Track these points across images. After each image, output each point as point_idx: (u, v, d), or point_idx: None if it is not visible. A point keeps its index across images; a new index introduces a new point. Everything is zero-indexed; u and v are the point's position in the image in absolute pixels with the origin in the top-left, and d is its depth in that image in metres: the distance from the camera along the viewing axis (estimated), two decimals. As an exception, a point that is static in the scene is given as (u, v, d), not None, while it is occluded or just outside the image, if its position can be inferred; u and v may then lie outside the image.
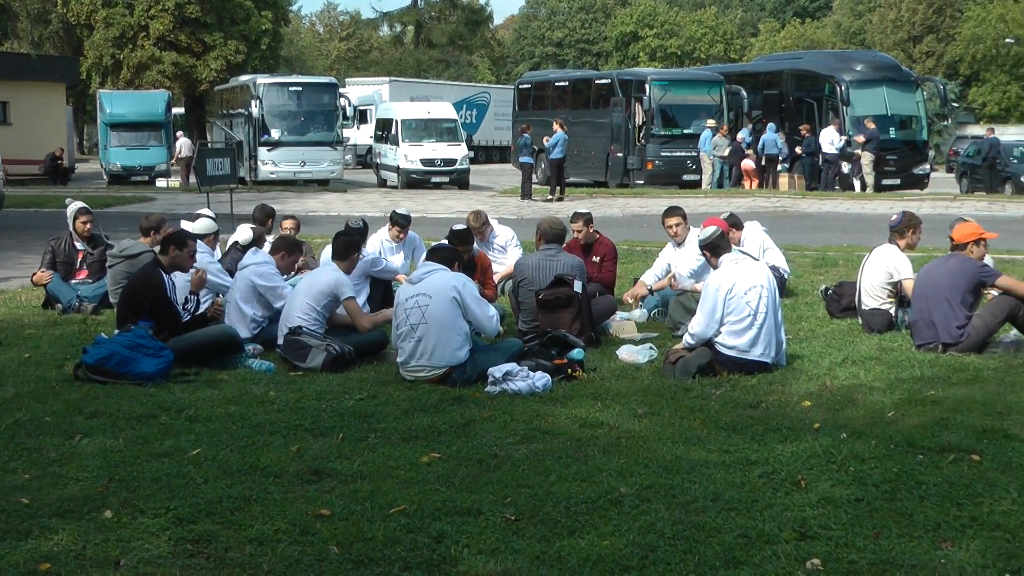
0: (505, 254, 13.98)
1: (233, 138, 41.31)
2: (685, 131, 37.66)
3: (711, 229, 9.85)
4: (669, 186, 36.77)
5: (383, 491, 6.24)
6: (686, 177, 36.95)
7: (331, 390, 8.82)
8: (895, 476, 6.47)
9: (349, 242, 10.79)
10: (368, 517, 5.81)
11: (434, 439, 7.42)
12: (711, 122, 36.02)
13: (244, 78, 45.58)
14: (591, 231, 12.61)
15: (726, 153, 36.42)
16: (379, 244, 13.35)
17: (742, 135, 37.35)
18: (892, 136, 36.70)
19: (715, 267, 9.68)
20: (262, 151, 39.54)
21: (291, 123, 40.35)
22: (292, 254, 11.15)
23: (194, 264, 10.44)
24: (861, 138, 35.02)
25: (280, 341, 10.05)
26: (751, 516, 5.83)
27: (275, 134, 39.81)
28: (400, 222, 13.44)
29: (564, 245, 11.45)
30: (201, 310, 10.48)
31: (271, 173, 39.48)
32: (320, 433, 7.56)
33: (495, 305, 11.57)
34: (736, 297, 9.30)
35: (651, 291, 12.46)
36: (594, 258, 12.46)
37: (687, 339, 9.61)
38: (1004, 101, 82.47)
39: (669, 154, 37.00)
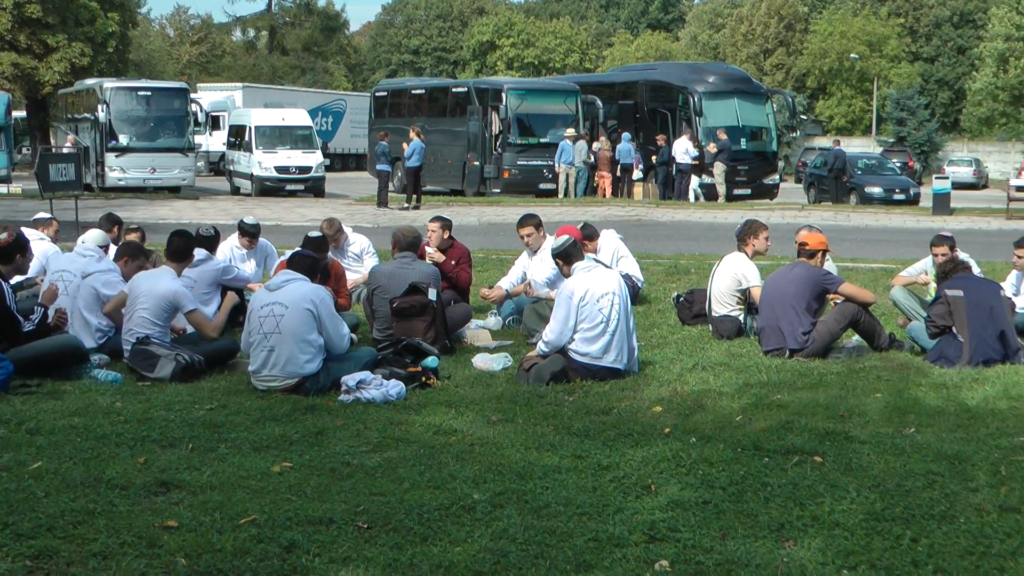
0: (360, 262, 13.92)
1: (79, 143, 40.31)
2: (541, 140, 37.90)
3: (563, 238, 9.99)
4: (526, 195, 36.98)
5: (233, 502, 6.17)
6: (542, 186, 37.20)
7: (180, 400, 8.67)
8: (742, 478, 6.63)
9: (187, 243, 10.60)
10: (217, 528, 5.73)
11: (286, 448, 7.36)
12: (570, 131, 36.33)
13: (90, 82, 44.50)
14: (447, 236, 12.65)
15: (591, 159, 36.76)
16: (230, 252, 13.16)
17: (596, 145, 37.79)
18: (743, 147, 37.53)
19: (567, 275, 9.79)
20: (110, 157, 38.61)
21: (140, 129, 39.50)
22: (135, 259, 10.89)
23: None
24: (713, 148, 35.72)
25: (126, 351, 9.85)
26: (602, 520, 5.91)
27: (123, 140, 38.92)
28: (249, 231, 13.29)
29: (418, 252, 11.46)
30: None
31: (119, 180, 38.59)
32: (168, 444, 7.43)
33: (349, 314, 11.54)
34: (589, 304, 9.42)
35: (508, 295, 12.55)
36: (451, 261, 12.50)
37: (541, 346, 9.69)
38: (849, 114, 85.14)
39: (525, 163, 37.23)
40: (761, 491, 6.40)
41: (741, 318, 11.50)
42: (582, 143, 36.53)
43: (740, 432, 7.72)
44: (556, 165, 36.46)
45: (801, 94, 79.30)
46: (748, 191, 37.44)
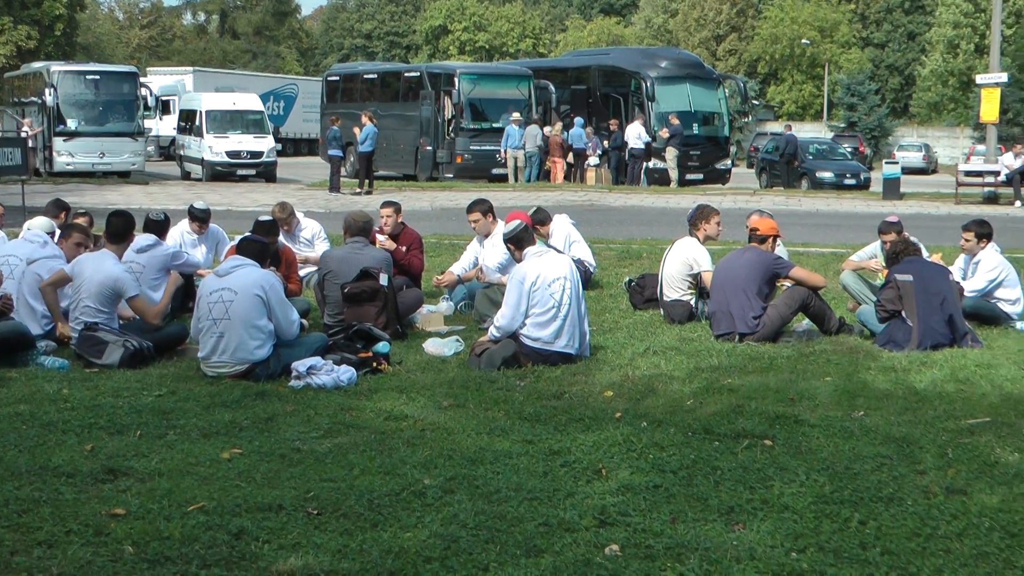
0: (311, 247, 13.84)
1: (33, 127, 39.84)
2: (494, 125, 37.82)
3: (514, 223, 9.98)
4: (478, 180, 36.94)
5: (181, 488, 6.13)
6: (495, 171, 37.14)
7: (128, 387, 8.61)
8: (692, 462, 6.66)
9: (127, 223, 10.47)
10: (165, 515, 5.69)
11: (235, 435, 7.32)
12: (516, 116, 36.27)
13: (37, 65, 44.03)
14: (399, 220, 12.61)
15: (543, 143, 36.73)
16: (180, 237, 13.06)
17: (548, 130, 37.78)
18: (695, 132, 37.65)
19: (519, 260, 9.79)
20: (58, 141, 38.18)
21: (89, 113, 39.10)
22: (68, 237, 10.76)
23: None
24: (665, 133, 35.80)
25: (73, 337, 9.75)
26: (552, 505, 5.92)
27: (72, 124, 38.50)
28: (199, 216, 13.19)
29: (370, 237, 11.41)
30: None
31: (68, 164, 38.19)
32: (116, 431, 7.37)
33: (299, 300, 11.48)
34: (540, 289, 9.42)
35: (460, 280, 12.53)
36: (401, 247, 12.45)
37: (492, 331, 9.68)
38: (801, 99, 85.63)
39: (478, 148, 37.14)
40: (711, 475, 6.43)
41: (692, 302, 11.54)
42: (534, 127, 36.48)
43: (691, 416, 7.75)
44: (502, 150, 36.40)
45: (753, 79, 79.66)
46: (700, 176, 37.57)
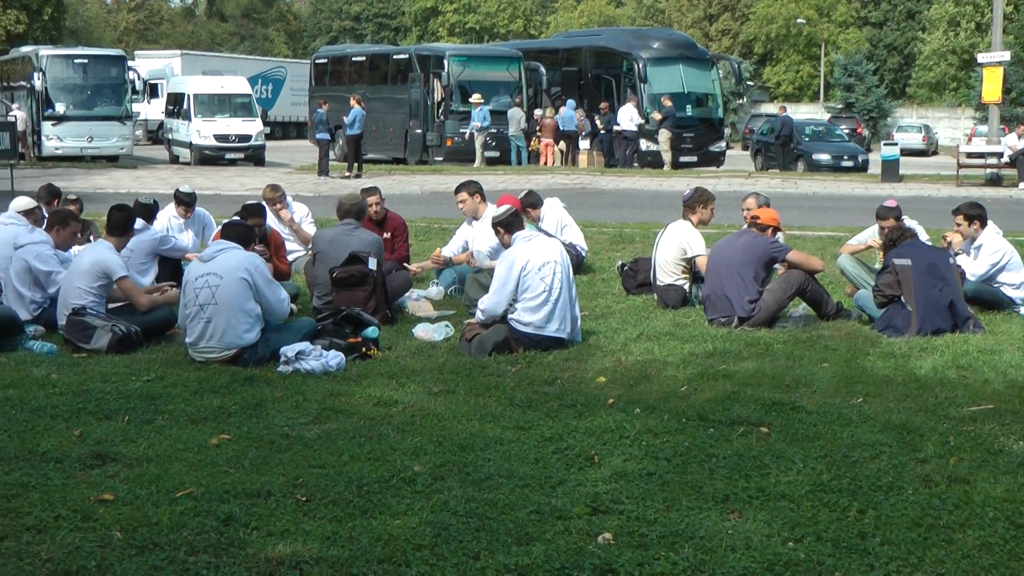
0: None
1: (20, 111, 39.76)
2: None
3: (505, 208, 9.98)
4: (468, 163, 36.85)
5: (170, 474, 6.13)
6: (487, 154, 37.08)
7: (117, 372, 8.61)
8: (686, 450, 6.65)
9: (128, 217, 10.47)
10: (153, 501, 5.70)
11: (224, 420, 7.32)
12: (475, 98, 36.01)
13: (25, 49, 43.93)
14: (383, 206, 12.60)
15: (524, 126, 36.66)
16: (167, 221, 13.06)
17: (539, 112, 37.71)
18: (689, 114, 37.58)
19: (507, 245, 9.79)
20: (46, 125, 38.17)
21: (77, 97, 39.07)
22: (66, 226, 10.71)
23: None
24: (658, 115, 35.75)
25: (61, 322, 9.73)
26: (544, 492, 5.92)
27: (60, 108, 38.47)
28: (185, 200, 13.19)
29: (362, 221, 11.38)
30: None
31: (56, 149, 38.16)
32: (104, 416, 7.38)
33: (288, 284, 11.46)
34: (531, 274, 9.40)
35: (450, 262, 12.52)
36: (385, 234, 12.42)
37: (478, 314, 9.68)
38: (797, 80, 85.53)
39: (468, 130, 37.07)
40: (706, 462, 6.42)
41: (686, 287, 11.53)
42: (516, 110, 36.38)
43: (685, 403, 7.75)
44: (468, 130, 36.30)
45: (748, 60, 79.50)
46: (694, 158, 37.53)
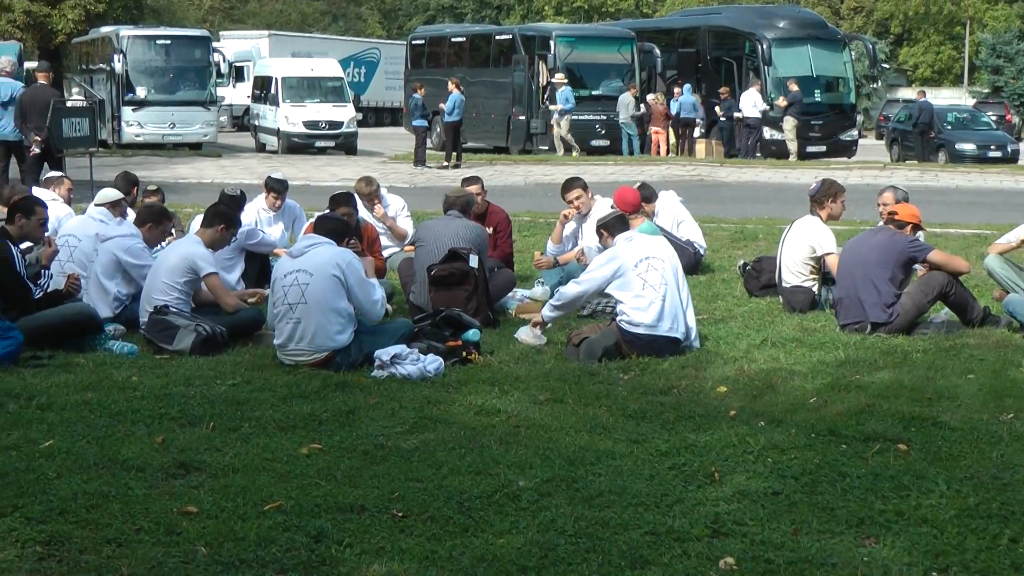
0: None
1: (93, 96, 40.57)
2: (594, 92, 37.74)
3: (611, 210, 10.02)
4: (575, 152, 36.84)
5: (257, 486, 6.20)
6: (594, 143, 37.04)
7: (201, 375, 8.73)
8: (816, 467, 6.58)
9: (218, 212, 10.59)
10: (240, 515, 5.77)
11: (315, 429, 7.39)
12: (559, 77, 35.89)
13: (106, 29, 44.67)
14: (485, 199, 12.62)
15: (639, 113, 36.56)
16: (255, 214, 13.18)
17: (651, 98, 37.55)
18: (817, 99, 37.17)
19: (607, 247, 9.85)
20: (126, 111, 38.84)
21: (159, 80, 39.72)
22: (159, 224, 10.88)
23: (45, 233, 10.26)
24: (783, 101, 35.42)
25: (143, 321, 9.90)
26: (660, 511, 5.89)
27: (141, 92, 39.13)
28: (275, 187, 13.32)
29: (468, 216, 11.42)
30: (52, 286, 10.22)
31: (137, 136, 38.82)
32: (188, 422, 7.49)
33: (383, 282, 11.52)
34: (639, 271, 9.45)
35: (556, 262, 12.51)
36: (487, 229, 12.44)
37: (546, 311, 9.90)
38: (937, 63, 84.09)
39: (576, 117, 36.97)
40: (838, 482, 6.35)
41: (815, 289, 11.40)
42: (626, 96, 36.27)
43: (814, 416, 7.67)
44: (553, 118, 36.28)
45: (883, 40, 78.40)
46: (823, 148, 37.12)
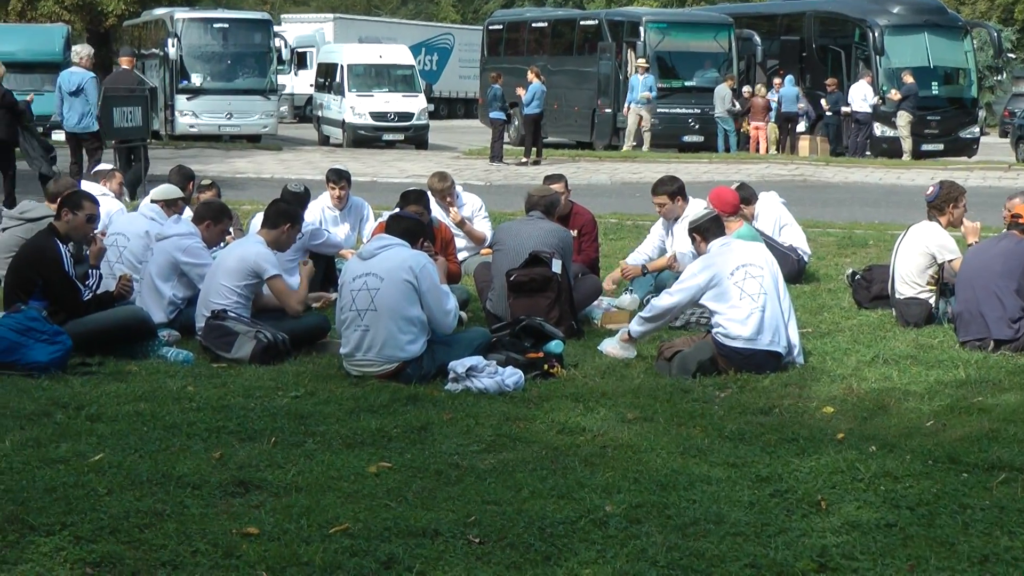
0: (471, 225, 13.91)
1: (146, 84, 41.02)
2: (687, 84, 37.69)
3: (703, 210, 9.98)
4: (667, 148, 36.81)
5: (322, 506, 6.25)
6: (687, 138, 36.98)
7: (261, 386, 8.81)
8: (934, 498, 6.54)
9: (281, 210, 10.62)
10: (304, 537, 5.82)
11: (384, 445, 7.44)
12: (641, 62, 35.77)
13: (159, 12, 45.14)
14: (568, 199, 12.60)
15: (735, 106, 36.42)
16: (320, 213, 13.27)
17: (747, 89, 37.36)
18: (935, 92, 36.81)
19: (702, 253, 9.81)
20: (180, 100, 39.19)
21: (215, 67, 40.03)
22: (219, 222, 10.95)
23: (94, 230, 10.35)
24: (897, 94, 35.13)
25: (200, 326, 10.00)
26: (761, 543, 5.88)
27: (196, 80, 39.48)
28: (335, 179, 13.39)
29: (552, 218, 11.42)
30: (102, 288, 10.30)
31: (191, 126, 39.14)
32: (247, 437, 7.56)
33: (458, 287, 11.56)
34: (735, 280, 9.43)
35: (645, 270, 12.46)
36: (571, 232, 12.43)
37: (634, 326, 9.91)
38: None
39: (668, 111, 36.92)
40: (959, 514, 6.30)
41: (932, 301, 11.31)
42: (723, 87, 36.12)
43: (931, 441, 7.62)
44: (625, 106, 36.23)
45: (1009, 27, 77.57)
46: (940, 146, 36.77)
